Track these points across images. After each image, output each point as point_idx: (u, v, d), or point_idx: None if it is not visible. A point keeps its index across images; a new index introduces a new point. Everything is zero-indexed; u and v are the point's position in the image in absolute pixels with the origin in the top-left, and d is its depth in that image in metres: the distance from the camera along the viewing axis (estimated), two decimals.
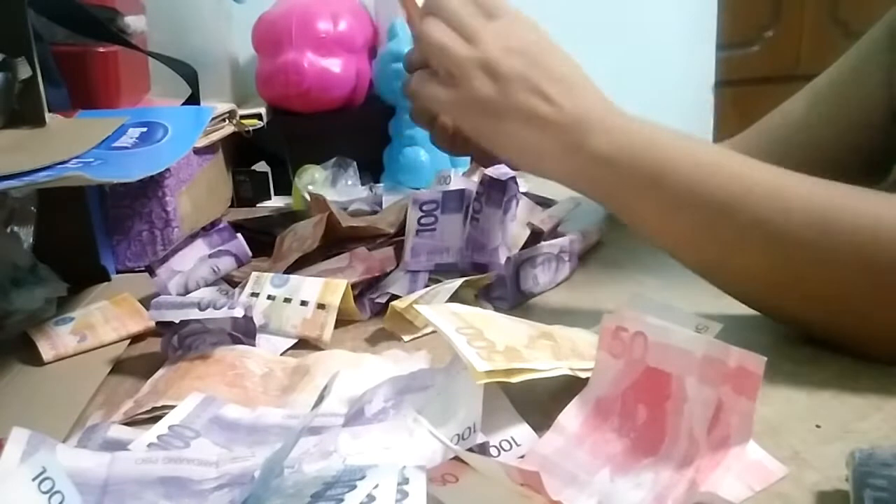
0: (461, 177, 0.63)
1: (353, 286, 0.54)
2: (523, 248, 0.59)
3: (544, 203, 0.67)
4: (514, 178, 0.57)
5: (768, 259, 0.43)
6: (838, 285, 0.41)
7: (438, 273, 0.57)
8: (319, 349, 0.49)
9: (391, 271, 0.57)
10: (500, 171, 0.59)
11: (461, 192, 0.57)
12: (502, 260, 0.55)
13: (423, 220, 0.57)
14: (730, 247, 0.44)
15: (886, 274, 0.40)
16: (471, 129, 0.53)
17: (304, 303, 0.51)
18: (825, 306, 0.42)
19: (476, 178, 0.59)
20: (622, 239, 0.67)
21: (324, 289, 0.52)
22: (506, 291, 0.54)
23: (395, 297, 0.53)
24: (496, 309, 0.50)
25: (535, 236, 0.61)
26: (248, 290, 0.54)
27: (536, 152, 0.50)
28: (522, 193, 0.69)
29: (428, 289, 0.53)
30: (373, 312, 0.54)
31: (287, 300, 0.52)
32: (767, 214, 0.42)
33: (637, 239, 0.51)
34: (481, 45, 0.49)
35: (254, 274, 0.55)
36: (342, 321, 0.52)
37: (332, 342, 0.50)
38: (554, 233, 0.63)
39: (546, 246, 0.56)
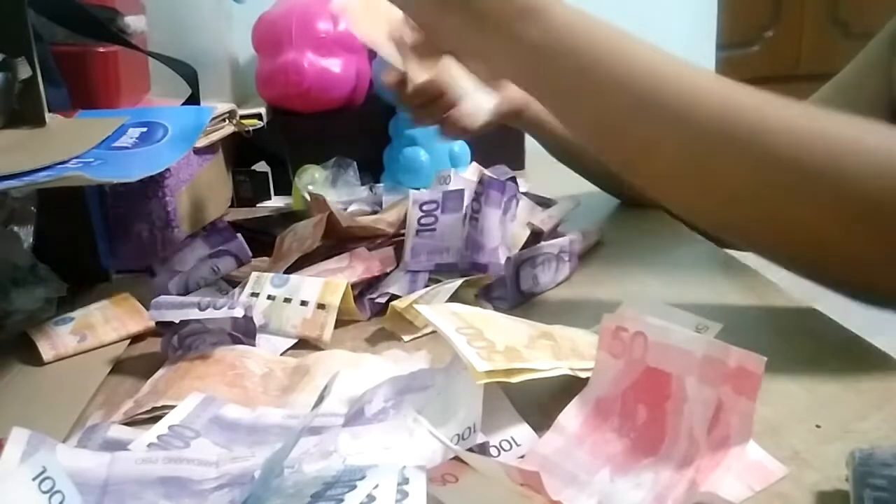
0: (461, 177, 0.63)
1: (353, 286, 0.54)
2: (523, 248, 0.59)
3: (544, 203, 0.67)
4: (513, 177, 0.57)
5: (682, 149, 0.44)
6: (738, 180, 0.42)
7: (438, 273, 0.57)
8: (319, 349, 0.49)
9: (391, 271, 0.57)
10: (499, 171, 0.59)
11: (461, 192, 0.58)
12: (502, 260, 0.55)
13: (423, 220, 0.57)
14: (646, 142, 0.45)
15: (778, 170, 0.41)
16: (429, 28, 0.54)
17: (304, 303, 0.52)
18: (723, 199, 0.43)
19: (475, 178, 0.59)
20: (622, 239, 0.67)
21: (324, 289, 0.52)
22: (506, 291, 0.54)
23: (395, 297, 0.53)
24: (496, 309, 0.50)
25: (535, 236, 0.61)
26: (248, 290, 0.54)
27: (483, 47, 0.50)
28: (522, 193, 0.69)
29: (428, 289, 0.53)
30: (373, 312, 0.54)
31: (287, 300, 0.52)
32: (679, 107, 0.43)
33: (639, 239, 0.51)
34: None
35: (254, 274, 0.55)
36: (342, 321, 0.52)
37: (332, 342, 0.50)
38: (554, 233, 0.63)
39: (546, 246, 0.56)
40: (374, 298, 0.55)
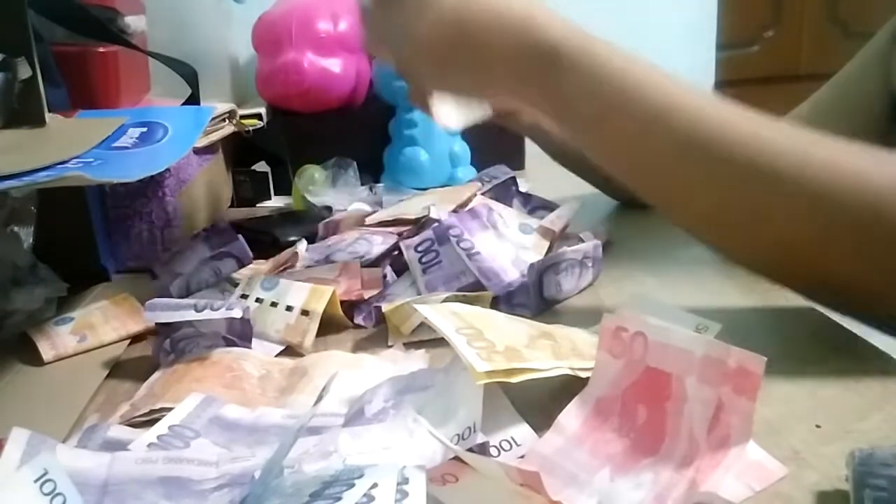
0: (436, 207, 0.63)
1: (341, 302, 0.53)
2: (546, 254, 0.58)
3: (547, 206, 0.67)
4: (513, 177, 0.57)
5: (722, 191, 0.44)
6: (725, 193, 0.43)
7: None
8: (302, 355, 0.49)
9: (372, 296, 0.55)
10: (499, 170, 0.58)
11: (447, 223, 0.57)
12: (517, 272, 0.54)
13: (424, 259, 0.56)
14: (688, 186, 0.45)
15: (770, 191, 0.42)
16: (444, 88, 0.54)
17: (289, 308, 0.51)
18: (708, 209, 0.44)
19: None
20: (622, 239, 0.67)
21: (310, 295, 0.51)
22: (528, 299, 0.53)
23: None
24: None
25: (551, 240, 0.60)
26: (238, 291, 0.54)
27: (499, 96, 0.52)
28: (523, 193, 0.69)
29: (419, 297, 0.53)
30: (377, 321, 0.53)
31: (273, 304, 0.52)
32: (685, 130, 0.43)
33: (639, 239, 0.51)
34: (414, 39, 0.50)
35: (246, 275, 0.55)
36: (341, 324, 0.52)
37: (331, 344, 0.50)
38: (564, 233, 0.62)
39: (570, 252, 0.55)
40: (377, 305, 0.54)
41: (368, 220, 0.68)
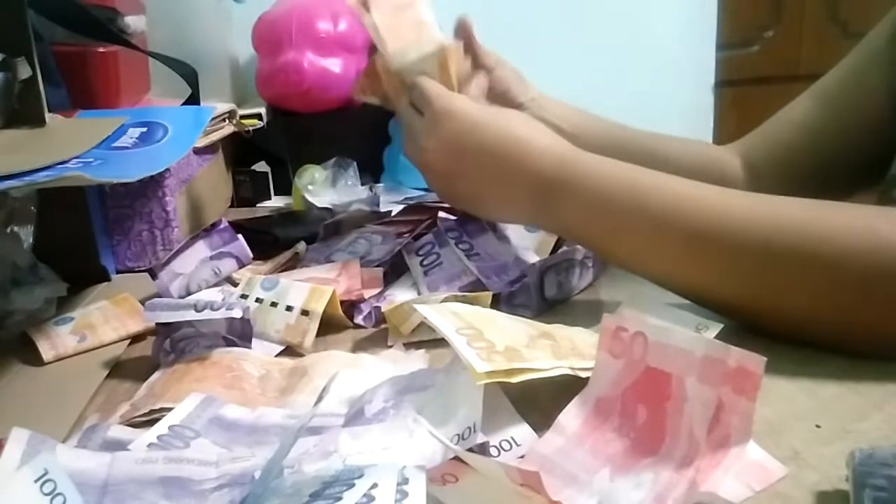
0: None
1: (340, 302, 0.53)
2: (552, 253, 0.58)
3: None
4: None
5: (744, 276, 0.45)
6: (815, 295, 0.43)
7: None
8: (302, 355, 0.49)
9: (373, 295, 0.55)
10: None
11: (446, 226, 0.58)
12: (517, 272, 0.55)
13: (425, 262, 0.56)
14: (710, 267, 0.46)
15: (859, 282, 0.41)
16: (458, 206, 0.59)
17: (289, 308, 0.51)
18: (801, 314, 0.44)
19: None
20: None
21: (310, 295, 0.51)
22: (530, 299, 0.53)
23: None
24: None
25: (559, 238, 0.60)
26: (237, 291, 0.54)
27: (518, 219, 0.56)
28: None
29: (419, 297, 0.53)
30: (377, 321, 0.53)
31: (273, 304, 0.52)
32: (745, 237, 0.44)
33: None
34: (425, 154, 0.55)
35: (246, 276, 0.55)
36: (341, 324, 0.52)
37: (331, 344, 0.50)
38: None
39: (570, 252, 0.55)
40: (377, 305, 0.54)
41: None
